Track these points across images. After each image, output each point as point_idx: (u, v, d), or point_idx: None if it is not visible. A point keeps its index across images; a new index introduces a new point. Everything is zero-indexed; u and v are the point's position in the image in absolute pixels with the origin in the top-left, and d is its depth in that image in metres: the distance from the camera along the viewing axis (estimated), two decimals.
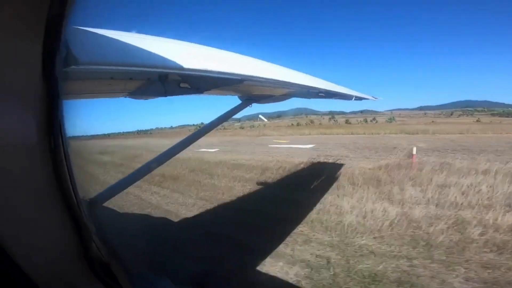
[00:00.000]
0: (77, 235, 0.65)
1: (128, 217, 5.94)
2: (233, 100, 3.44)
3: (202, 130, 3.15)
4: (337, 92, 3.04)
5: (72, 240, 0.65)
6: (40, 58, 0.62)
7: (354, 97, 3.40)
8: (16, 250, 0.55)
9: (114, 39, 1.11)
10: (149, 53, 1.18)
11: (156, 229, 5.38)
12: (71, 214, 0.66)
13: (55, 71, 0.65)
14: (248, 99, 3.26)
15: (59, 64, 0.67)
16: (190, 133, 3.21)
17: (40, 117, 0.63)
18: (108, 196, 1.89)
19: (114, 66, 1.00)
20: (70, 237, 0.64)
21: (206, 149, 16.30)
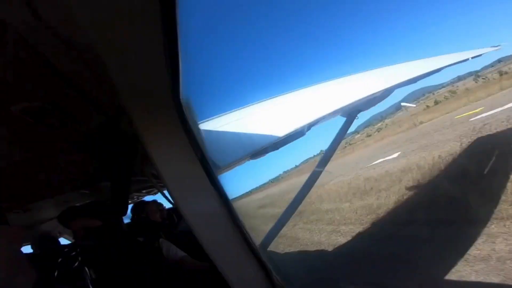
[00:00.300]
0: (263, 270, 0.92)
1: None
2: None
3: (326, 156, 3.24)
4: (448, 64, 2.63)
5: (260, 274, 0.91)
6: (197, 159, 0.97)
7: (470, 58, 2.80)
8: (232, 281, 0.86)
9: (234, 132, 1.53)
10: (264, 136, 1.56)
11: None
12: (256, 257, 0.94)
13: (210, 168, 1.00)
14: (351, 113, 3.22)
15: (209, 162, 1.02)
16: (315, 163, 3.36)
17: (216, 195, 0.96)
18: (272, 238, 2.22)
19: (243, 158, 1.40)
20: (259, 272, 0.91)
21: (382, 158, 12.14)
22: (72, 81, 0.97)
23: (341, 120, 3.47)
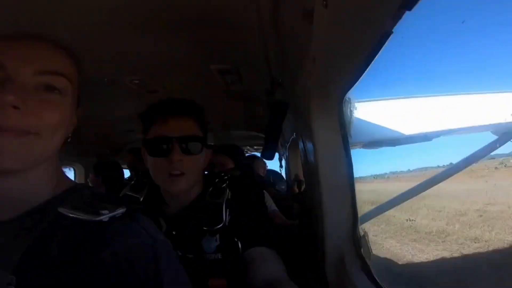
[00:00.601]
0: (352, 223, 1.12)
1: None
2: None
3: (449, 172, 2.81)
4: None
5: (350, 226, 1.14)
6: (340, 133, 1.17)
7: None
8: (321, 233, 1.12)
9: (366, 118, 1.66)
10: (386, 128, 1.65)
11: None
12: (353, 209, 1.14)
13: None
14: (508, 133, 2.62)
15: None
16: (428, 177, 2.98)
17: (346, 165, 1.16)
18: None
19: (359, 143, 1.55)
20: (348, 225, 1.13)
21: None
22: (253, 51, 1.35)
23: (489, 137, 2.86)
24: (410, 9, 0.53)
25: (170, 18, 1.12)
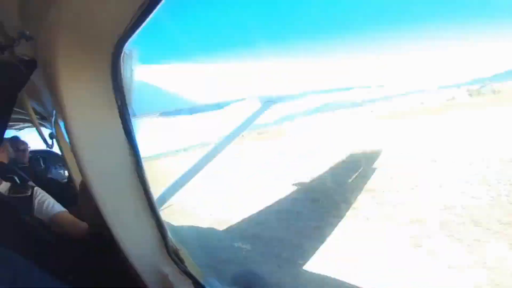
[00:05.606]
0: (159, 232, 0.96)
1: None
2: None
3: (226, 141, 2.76)
4: None
5: (156, 235, 0.96)
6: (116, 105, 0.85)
7: None
8: (124, 246, 0.89)
9: (162, 85, 1.55)
10: (184, 97, 1.63)
11: None
12: (155, 218, 0.95)
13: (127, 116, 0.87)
14: (268, 101, 2.91)
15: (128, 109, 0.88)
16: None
17: (126, 143, 0.88)
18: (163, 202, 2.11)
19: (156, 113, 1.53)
20: (154, 233, 0.96)
21: None
22: None
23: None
24: None
25: None
